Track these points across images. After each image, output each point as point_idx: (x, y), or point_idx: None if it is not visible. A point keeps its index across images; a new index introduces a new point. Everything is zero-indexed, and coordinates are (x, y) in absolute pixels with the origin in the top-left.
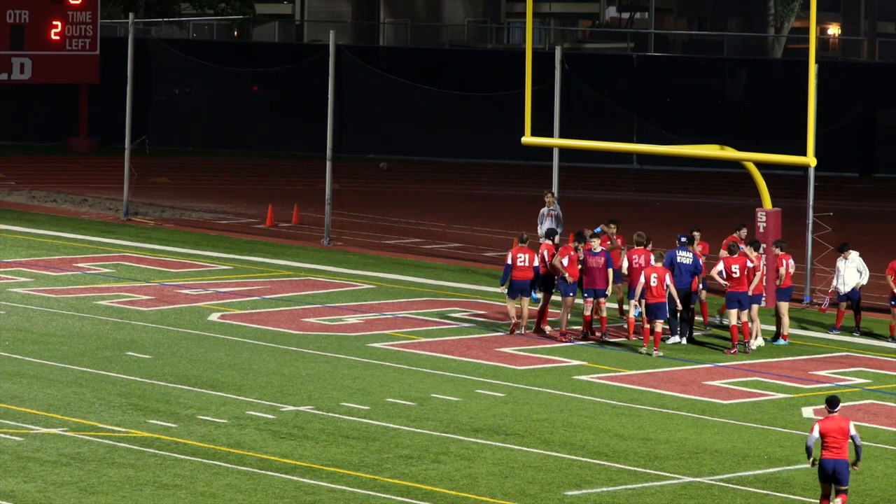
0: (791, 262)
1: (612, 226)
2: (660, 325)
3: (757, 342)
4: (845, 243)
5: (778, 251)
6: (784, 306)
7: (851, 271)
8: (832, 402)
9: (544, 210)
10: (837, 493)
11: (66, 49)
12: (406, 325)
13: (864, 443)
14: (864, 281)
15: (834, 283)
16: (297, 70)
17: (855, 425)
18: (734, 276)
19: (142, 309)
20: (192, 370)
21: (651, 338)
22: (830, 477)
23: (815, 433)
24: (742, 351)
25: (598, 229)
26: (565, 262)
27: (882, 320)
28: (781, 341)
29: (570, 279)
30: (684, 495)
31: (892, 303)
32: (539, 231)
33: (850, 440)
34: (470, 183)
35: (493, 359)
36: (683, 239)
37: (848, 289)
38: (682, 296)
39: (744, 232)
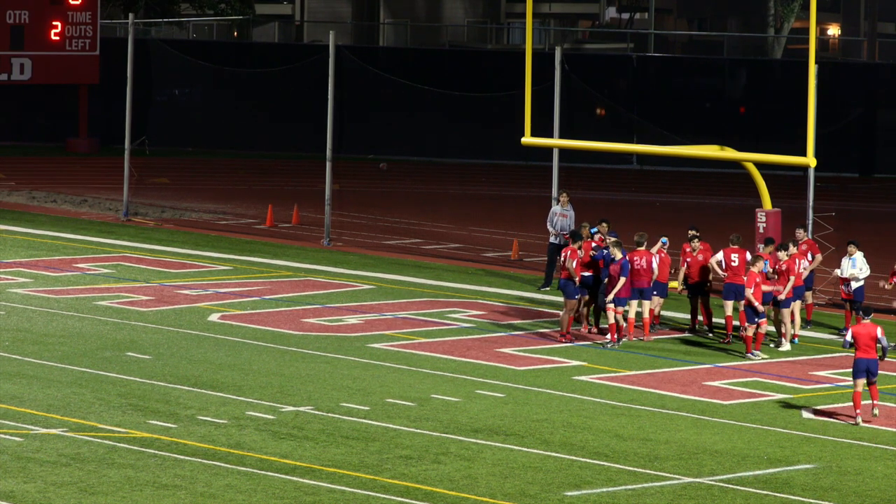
0: (805, 262)
1: (605, 225)
2: (755, 328)
3: (785, 346)
4: (854, 241)
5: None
6: (796, 305)
7: (854, 269)
8: (866, 311)
9: (556, 209)
10: (870, 384)
11: (66, 49)
12: (406, 325)
13: (865, 443)
14: (862, 276)
15: (836, 272)
16: (297, 70)
17: (882, 330)
18: (733, 264)
19: (142, 309)
20: (192, 370)
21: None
22: (864, 373)
23: (849, 336)
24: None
25: (594, 229)
26: (574, 263)
27: (882, 321)
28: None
29: (577, 281)
30: (684, 496)
31: None
32: (550, 229)
33: (878, 343)
34: (470, 183)
35: (493, 359)
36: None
37: (846, 274)
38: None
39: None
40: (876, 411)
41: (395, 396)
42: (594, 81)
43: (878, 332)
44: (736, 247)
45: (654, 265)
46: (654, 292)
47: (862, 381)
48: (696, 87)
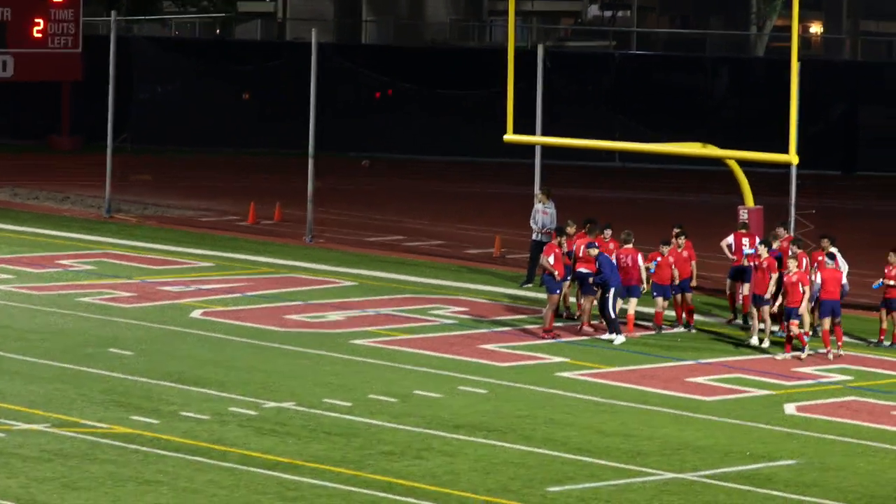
0: (805, 261)
1: (574, 225)
2: (827, 322)
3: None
4: (827, 236)
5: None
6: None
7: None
8: (832, 256)
9: (539, 206)
10: (835, 325)
11: (49, 47)
12: (388, 321)
13: (847, 439)
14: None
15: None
16: (280, 68)
17: (847, 275)
18: (743, 248)
19: (124, 306)
20: (175, 367)
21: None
22: (829, 312)
23: (818, 280)
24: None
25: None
26: (551, 259)
27: (864, 318)
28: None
29: (557, 276)
30: (666, 491)
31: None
32: (532, 226)
33: (842, 287)
34: (452, 180)
35: (476, 355)
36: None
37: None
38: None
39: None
40: (841, 353)
41: (378, 392)
42: (577, 79)
43: (843, 276)
44: (744, 231)
45: (641, 262)
46: (654, 293)
47: (828, 320)
48: (679, 85)
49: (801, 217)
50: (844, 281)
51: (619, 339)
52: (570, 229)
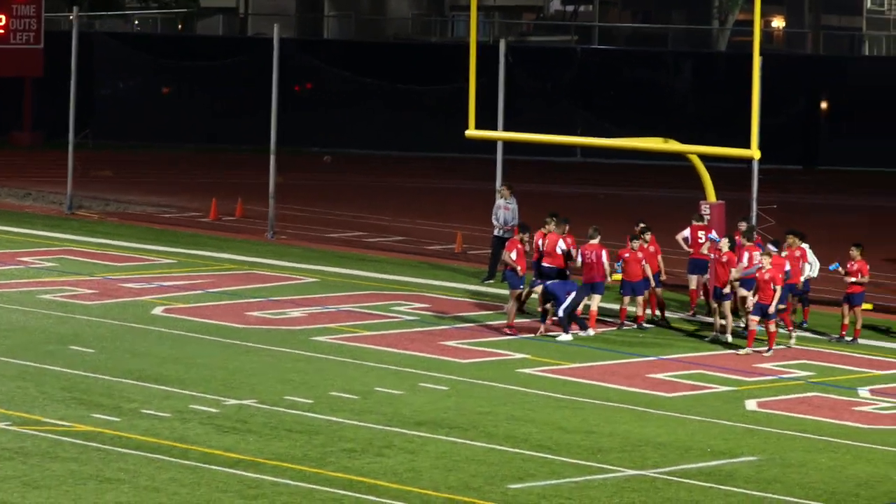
0: (756, 254)
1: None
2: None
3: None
4: (794, 232)
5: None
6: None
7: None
8: (776, 243)
9: (500, 202)
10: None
11: (10, 43)
12: (349, 318)
13: (808, 435)
14: (814, 274)
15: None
16: (241, 63)
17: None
18: (700, 241)
19: (85, 303)
20: (136, 364)
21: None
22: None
23: (787, 266)
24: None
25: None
26: (514, 255)
27: (826, 313)
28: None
29: (520, 272)
30: (627, 488)
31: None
32: (494, 222)
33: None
34: (413, 176)
35: (437, 352)
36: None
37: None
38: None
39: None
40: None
41: (339, 389)
42: (538, 74)
43: (787, 265)
44: (701, 224)
45: (605, 259)
46: (622, 291)
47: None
48: (641, 80)
49: (762, 212)
50: (788, 268)
51: (563, 337)
52: (549, 226)
